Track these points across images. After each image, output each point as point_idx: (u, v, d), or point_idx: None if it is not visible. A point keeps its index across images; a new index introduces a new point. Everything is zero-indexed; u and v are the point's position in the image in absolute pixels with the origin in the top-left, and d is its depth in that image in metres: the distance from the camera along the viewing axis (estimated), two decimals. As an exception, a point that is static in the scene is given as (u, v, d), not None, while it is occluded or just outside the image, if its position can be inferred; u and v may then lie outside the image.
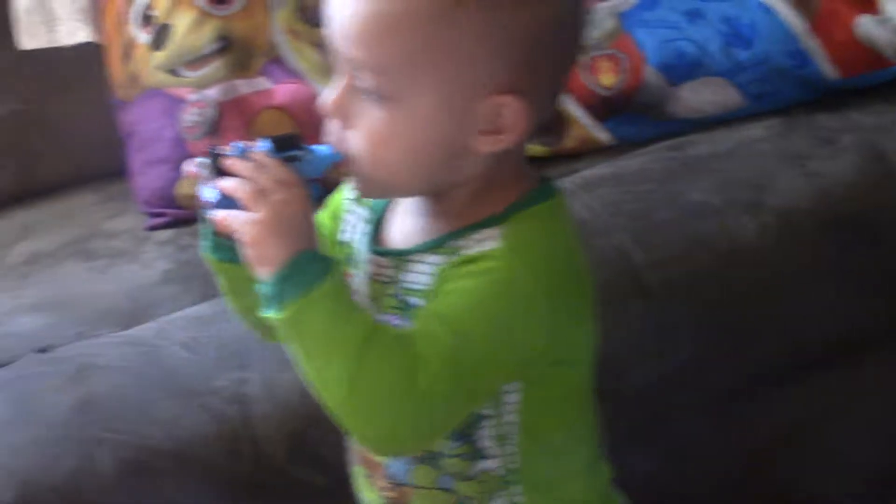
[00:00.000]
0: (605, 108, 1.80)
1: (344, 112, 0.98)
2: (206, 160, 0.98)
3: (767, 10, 1.78)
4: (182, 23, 1.79)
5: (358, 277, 1.06)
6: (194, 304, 1.53)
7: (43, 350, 1.46)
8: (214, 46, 1.79)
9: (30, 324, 1.55)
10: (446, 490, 1.07)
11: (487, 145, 0.97)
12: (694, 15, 1.79)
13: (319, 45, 1.80)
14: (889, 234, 1.64)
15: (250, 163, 0.96)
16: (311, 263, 0.95)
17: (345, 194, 1.12)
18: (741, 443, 1.67)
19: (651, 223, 1.63)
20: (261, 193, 0.94)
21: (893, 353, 1.71)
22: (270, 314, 0.95)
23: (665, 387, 1.58)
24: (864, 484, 1.72)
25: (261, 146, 0.99)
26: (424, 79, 0.95)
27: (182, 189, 1.73)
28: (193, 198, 1.72)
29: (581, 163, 1.77)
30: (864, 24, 1.77)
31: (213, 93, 1.76)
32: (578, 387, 1.08)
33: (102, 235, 1.75)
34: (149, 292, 1.59)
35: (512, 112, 0.96)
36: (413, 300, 1.01)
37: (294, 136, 1.01)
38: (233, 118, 1.75)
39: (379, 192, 1.03)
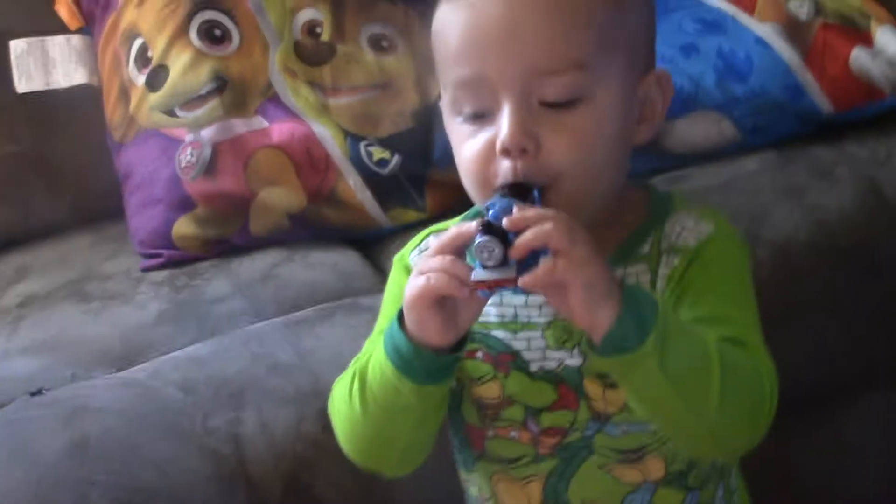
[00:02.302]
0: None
1: (532, 135, 0.94)
2: (486, 238, 0.88)
3: (762, 44, 1.77)
4: (178, 64, 1.79)
5: (526, 339, 1.01)
6: (189, 344, 1.50)
7: (36, 392, 1.44)
8: (210, 87, 1.77)
9: (23, 366, 1.52)
10: None
11: (644, 134, 1.00)
12: (689, 49, 1.78)
13: (315, 84, 1.82)
14: (888, 264, 1.62)
15: (533, 212, 0.89)
16: (636, 288, 0.91)
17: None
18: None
19: None
20: (570, 229, 0.88)
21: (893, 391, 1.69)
22: (625, 356, 0.88)
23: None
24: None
25: (503, 201, 0.92)
26: (611, 68, 0.95)
27: (178, 230, 1.72)
28: (196, 241, 1.74)
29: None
30: (859, 58, 1.76)
31: (208, 133, 1.75)
32: None
33: (98, 277, 1.73)
34: (143, 333, 1.56)
35: (657, 91, 0.99)
36: None
37: (521, 183, 0.94)
38: (229, 158, 1.74)
39: (582, 212, 0.94)
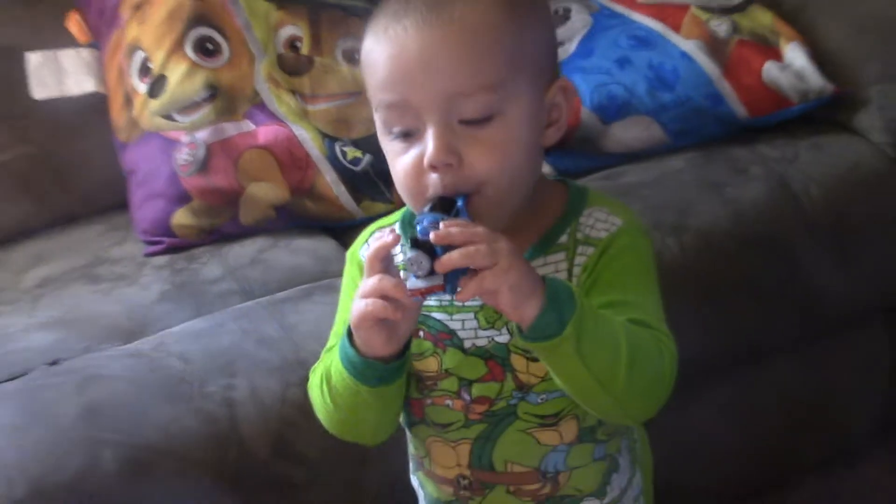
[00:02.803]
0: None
1: (454, 151, 0.94)
2: (415, 253, 0.88)
3: (687, 58, 1.77)
4: (175, 74, 1.78)
5: (461, 321, 1.01)
6: (187, 320, 1.50)
7: (53, 363, 1.44)
8: (204, 94, 1.77)
9: (41, 340, 1.51)
10: (601, 459, 1.05)
11: (552, 136, 1.00)
12: (624, 62, 1.78)
13: (296, 91, 1.80)
14: (795, 249, 1.63)
15: (457, 229, 0.89)
16: (560, 285, 0.91)
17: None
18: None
19: None
20: (490, 246, 0.88)
21: (797, 356, 1.71)
22: (548, 342, 0.90)
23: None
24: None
25: (429, 217, 0.91)
26: (519, 86, 0.95)
27: (177, 220, 1.71)
28: (193, 230, 1.71)
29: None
30: (770, 70, 1.77)
31: (203, 135, 1.74)
32: None
33: (107, 261, 1.71)
34: (147, 311, 1.56)
35: (562, 97, 0.99)
36: None
37: (445, 197, 0.94)
38: (221, 157, 1.73)
39: (504, 212, 0.97)
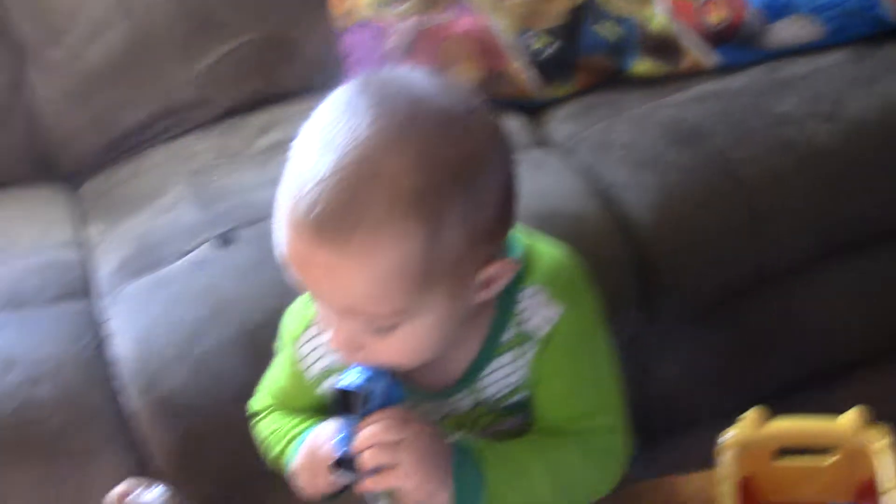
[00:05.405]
0: (714, 39, 1.84)
1: (358, 346, 0.86)
2: (340, 472, 0.89)
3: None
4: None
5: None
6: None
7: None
8: (415, -13, 1.84)
9: (269, 196, 1.68)
10: None
11: (485, 296, 0.88)
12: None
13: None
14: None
15: (365, 433, 0.86)
16: (467, 467, 0.88)
17: (308, 352, 0.97)
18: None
19: (746, 129, 1.70)
20: (390, 448, 0.85)
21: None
22: None
23: (754, 262, 1.67)
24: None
25: (345, 421, 0.88)
26: (436, 293, 0.83)
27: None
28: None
29: (692, 81, 1.83)
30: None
31: (409, 24, 1.84)
32: None
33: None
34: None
35: (501, 268, 0.87)
36: (517, 397, 0.94)
37: (346, 392, 0.88)
38: (424, 43, 1.83)
39: (424, 360, 0.90)
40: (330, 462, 0.89)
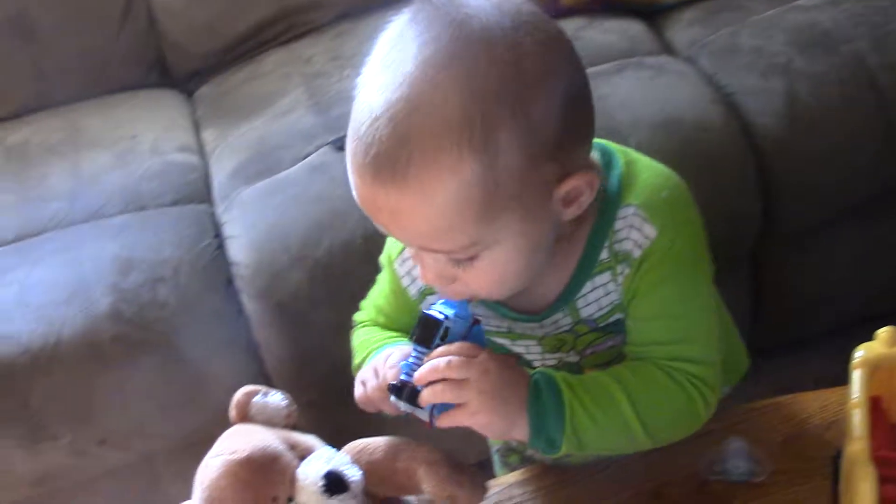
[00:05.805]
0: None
1: (446, 277, 0.85)
2: (396, 401, 0.87)
3: None
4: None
5: (525, 346, 0.96)
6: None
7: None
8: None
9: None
10: None
11: (573, 212, 0.85)
12: None
13: None
14: None
15: (430, 367, 0.85)
16: (544, 400, 0.86)
17: (406, 276, 0.97)
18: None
19: (886, 32, 1.65)
20: (458, 385, 0.84)
21: None
22: (554, 454, 0.88)
23: (889, 175, 1.65)
24: None
25: (416, 349, 0.87)
26: (504, 219, 0.81)
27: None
28: None
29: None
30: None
31: None
32: None
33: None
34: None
35: (579, 182, 0.83)
36: (615, 317, 0.92)
37: (428, 319, 0.87)
38: None
39: (514, 290, 0.89)
40: (387, 385, 0.89)
